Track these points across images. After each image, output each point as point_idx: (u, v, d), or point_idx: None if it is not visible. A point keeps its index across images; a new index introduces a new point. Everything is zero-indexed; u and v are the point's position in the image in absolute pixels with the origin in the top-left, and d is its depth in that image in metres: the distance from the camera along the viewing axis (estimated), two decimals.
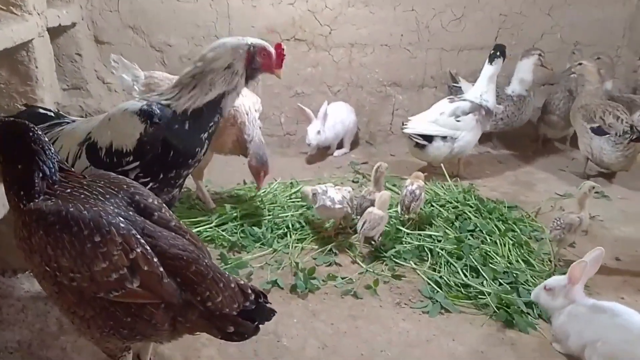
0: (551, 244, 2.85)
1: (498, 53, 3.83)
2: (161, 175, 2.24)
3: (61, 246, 1.44)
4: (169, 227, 1.63)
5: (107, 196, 1.58)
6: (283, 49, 2.33)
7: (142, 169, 2.17)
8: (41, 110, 2.47)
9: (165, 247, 1.55)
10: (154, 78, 3.24)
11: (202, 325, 1.60)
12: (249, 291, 1.60)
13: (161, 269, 1.51)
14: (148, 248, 1.51)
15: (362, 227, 2.72)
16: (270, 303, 1.66)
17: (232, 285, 1.58)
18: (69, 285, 1.47)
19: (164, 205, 1.70)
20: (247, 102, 3.08)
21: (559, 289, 2.10)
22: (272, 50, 2.31)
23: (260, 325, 1.62)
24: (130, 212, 1.58)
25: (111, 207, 1.55)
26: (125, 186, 1.66)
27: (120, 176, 1.73)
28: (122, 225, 1.49)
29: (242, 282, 1.62)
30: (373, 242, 2.83)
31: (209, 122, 2.25)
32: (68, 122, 2.38)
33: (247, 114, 3.04)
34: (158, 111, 2.13)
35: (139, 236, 1.51)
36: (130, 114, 2.14)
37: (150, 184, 2.21)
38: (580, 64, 4.01)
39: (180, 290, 1.54)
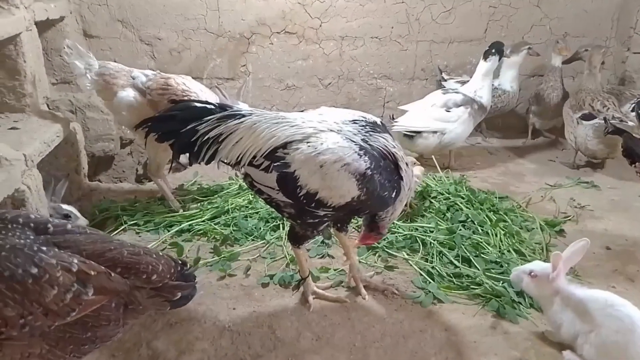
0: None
1: (493, 50, 3.84)
2: (340, 220, 2.30)
3: (1, 298, 1.35)
4: (68, 231, 1.59)
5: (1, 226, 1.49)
6: None
7: (329, 218, 2.14)
8: (198, 104, 2.18)
9: (90, 248, 1.53)
10: (109, 69, 3.09)
11: (153, 303, 1.64)
12: (172, 256, 1.69)
13: (103, 267, 1.51)
14: (79, 256, 1.49)
15: None
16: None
17: (160, 254, 1.66)
18: (19, 334, 1.39)
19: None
20: (208, 96, 3.06)
21: (544, 277, 2.09)
22: None
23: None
24: (29, 233, 1.50)
25: (15, 237, 1.46)
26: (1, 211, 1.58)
27: None
28: (43, 247, 1.45)
29: (160, 252, 1.69)
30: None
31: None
32: (244, 115, 2.11)
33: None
34: (377, 178, 2.02)
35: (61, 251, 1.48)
36: (348, 175, 1.97)
37: (326, 224, 2.22)
38: (586, 50, 4.21)
39: (124, 278, 1.56)
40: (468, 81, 4.06)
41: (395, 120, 3.81)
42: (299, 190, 2.01)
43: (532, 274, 2.12)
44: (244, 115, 2.11)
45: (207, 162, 2.12)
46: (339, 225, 2.38)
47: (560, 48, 4.40)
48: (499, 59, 3.90)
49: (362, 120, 2.16)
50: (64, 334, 1.47)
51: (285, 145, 2.02)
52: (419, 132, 3.78)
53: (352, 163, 1.97)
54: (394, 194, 2.11)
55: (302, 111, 2.28)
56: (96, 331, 1.52)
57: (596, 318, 1.95)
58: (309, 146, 1.99)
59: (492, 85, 4.34)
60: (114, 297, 1.53)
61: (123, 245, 1.60)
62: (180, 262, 1.72)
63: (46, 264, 1.41)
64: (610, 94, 4.06)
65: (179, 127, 2.09)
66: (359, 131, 2.09)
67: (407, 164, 2.16)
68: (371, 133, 2.11)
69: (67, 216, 2.89)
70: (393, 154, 2.10)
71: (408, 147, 3.94)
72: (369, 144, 2.05)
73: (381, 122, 2.23)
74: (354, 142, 2.03)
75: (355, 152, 2.00)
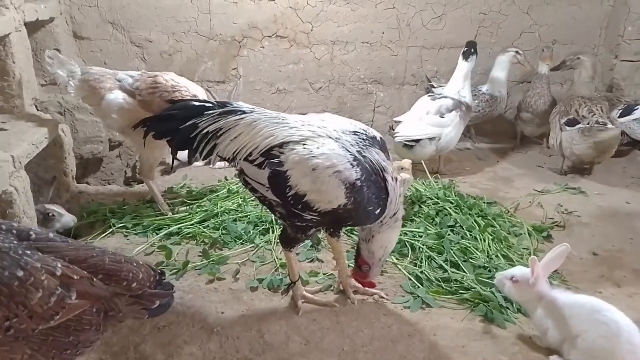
0: None
1: (472, 50, 3.89)
2: (327, 227, 2.29)
3: None
4: (50, 239, 1.60)
5: None
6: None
7: (315, 223, 2.15)
8: (196, 103, 2.22)
9: (73, 254, 1.55)
10: (92, 74, 3.03)
11: (131, 311, 1.65)
12: (152, 265, 1.71)
13: (86, 272, 1.53)
14: (62, 261, 1.50)
15: None
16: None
17: (140, 262, 1.68)
18: (3, 338, 1.40)
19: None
20: (196, 89, 3.09)
21: (524, 282, 2.11)
22: None
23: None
24: (12, 239, 1.51)
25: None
26: None
27: None
28: (27, 251, 1.46)
29: (140, 261, 1.71)
30: None
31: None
32: (245, 112, 2.14)
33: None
34: (365, 191, 2.01)
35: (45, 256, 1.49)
36: (338, 182, 1.98)
37: (313, 229, 2.22)
38: (578, 57, 4.19)
39: (105, 284, 1.58)
40: None
41: (395, 130, 3.82)
42: (288, 189, 2.02)
43: (514, 278, 2.15)
44: (244, 112, 2.14)
45: (205, 157, 2.14)
46: (331, 230, 2.37)
47: (544, 56, 4.43)
48: (476, 58, 3.94)
49: (363, 133, 2.17)
50: (47, 337, 1.48)
51: (281, 145, 2.04)
52: (418, 141, 3.79)
53: (343, 171, 1.99)
54: (379, 210, 2.12)
55: (304, 114, 2.28)
56: (78, 335, 1.53)
57: (582, 323, 1.96)
58: (304, 148, 2.02)
59: (480, 90, 4.40)
60: (96, 302, 1.55)
61: (105, 253, 1.63)
62: (159, 271, 1.74)
63: (31, 267, 1.42)
64: (604, 100, 4.11)
65: (178, 125, 2.11)
66: (357, 142, 2.10)
67: (395, 180, 2.15)
68: (368, 147, 2.11)
69: (48, 215, 2.87)
70: (383, 170, 2.10)
71: (407, 156, 3.92)
72: (364, 156, 2.07)
73: (380, 137, 2.23)
74: (350, 152, 2.04)
75: (349, 161, 2.01)
